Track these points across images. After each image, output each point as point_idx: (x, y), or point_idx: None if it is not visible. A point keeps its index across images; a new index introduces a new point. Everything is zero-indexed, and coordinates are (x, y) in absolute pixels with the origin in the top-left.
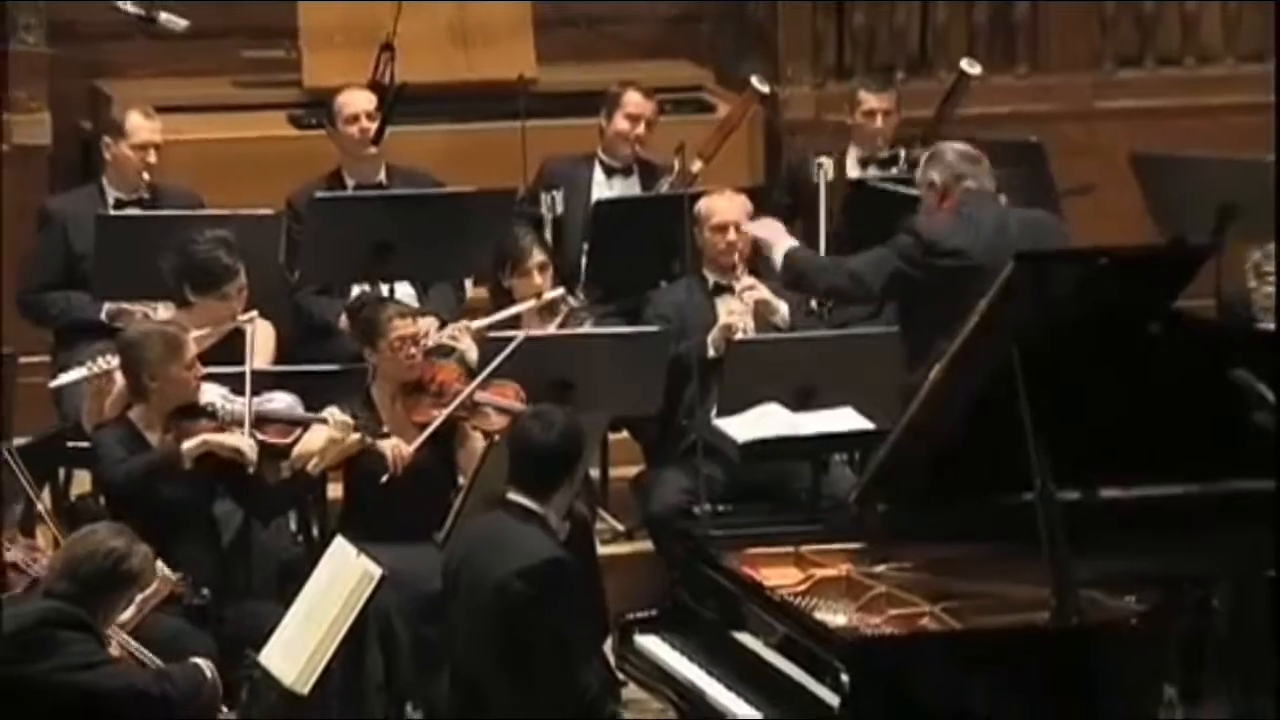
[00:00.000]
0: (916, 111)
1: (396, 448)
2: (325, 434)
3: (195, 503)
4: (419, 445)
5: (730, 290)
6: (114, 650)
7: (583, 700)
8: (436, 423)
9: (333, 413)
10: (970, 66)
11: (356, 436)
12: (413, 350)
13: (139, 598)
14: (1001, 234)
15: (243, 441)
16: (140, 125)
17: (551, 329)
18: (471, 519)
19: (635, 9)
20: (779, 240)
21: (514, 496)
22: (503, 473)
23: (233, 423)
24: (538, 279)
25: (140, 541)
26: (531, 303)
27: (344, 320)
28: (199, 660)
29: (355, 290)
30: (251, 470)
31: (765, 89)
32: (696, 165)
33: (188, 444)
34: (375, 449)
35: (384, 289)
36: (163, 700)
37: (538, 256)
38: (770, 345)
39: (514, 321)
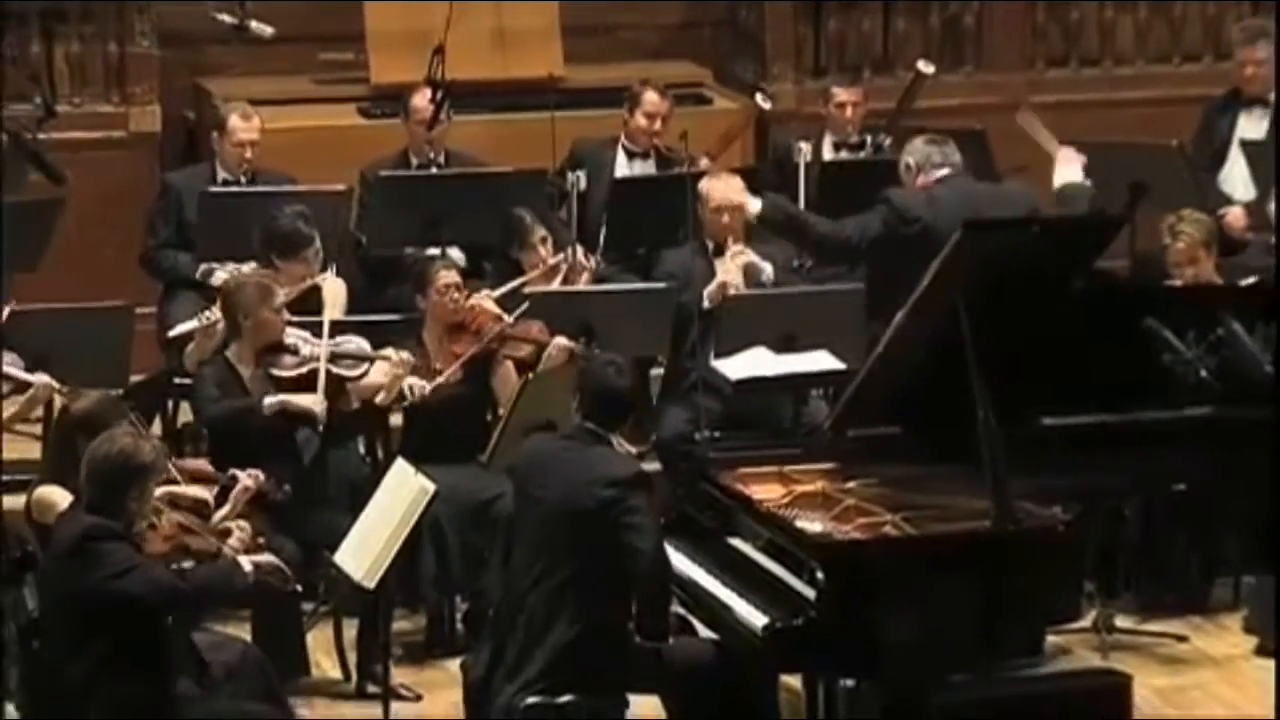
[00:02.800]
0: (880, 104)
1: (418, 384)
2: (387, 370)
3: (280, 429)
4: (453, 370)
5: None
6: (165, 526)
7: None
8: (470, 351)
9: (392, 351)
10: (925, 67)
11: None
12: (455, 295)
13: (231, 495)
14: (964, 208)
15: (316, 405)
16: (238, 126)
17: (581, 282)
18: (541, 442)
19: (646, 17)
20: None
21: (588, 425)
22: (539, 404)
23: (311, 358)
24: (541, 250)
25: (148, 438)
26: (537, 271)
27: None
28: (242, 558)
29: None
30: (321, 417)
31: (768, 105)
32: (704, 162)
33: (268, 400)
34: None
35: (436, 253)
36: (176, 596)
37: (539, 232)
38: (758, 299)
39: (524, 288)
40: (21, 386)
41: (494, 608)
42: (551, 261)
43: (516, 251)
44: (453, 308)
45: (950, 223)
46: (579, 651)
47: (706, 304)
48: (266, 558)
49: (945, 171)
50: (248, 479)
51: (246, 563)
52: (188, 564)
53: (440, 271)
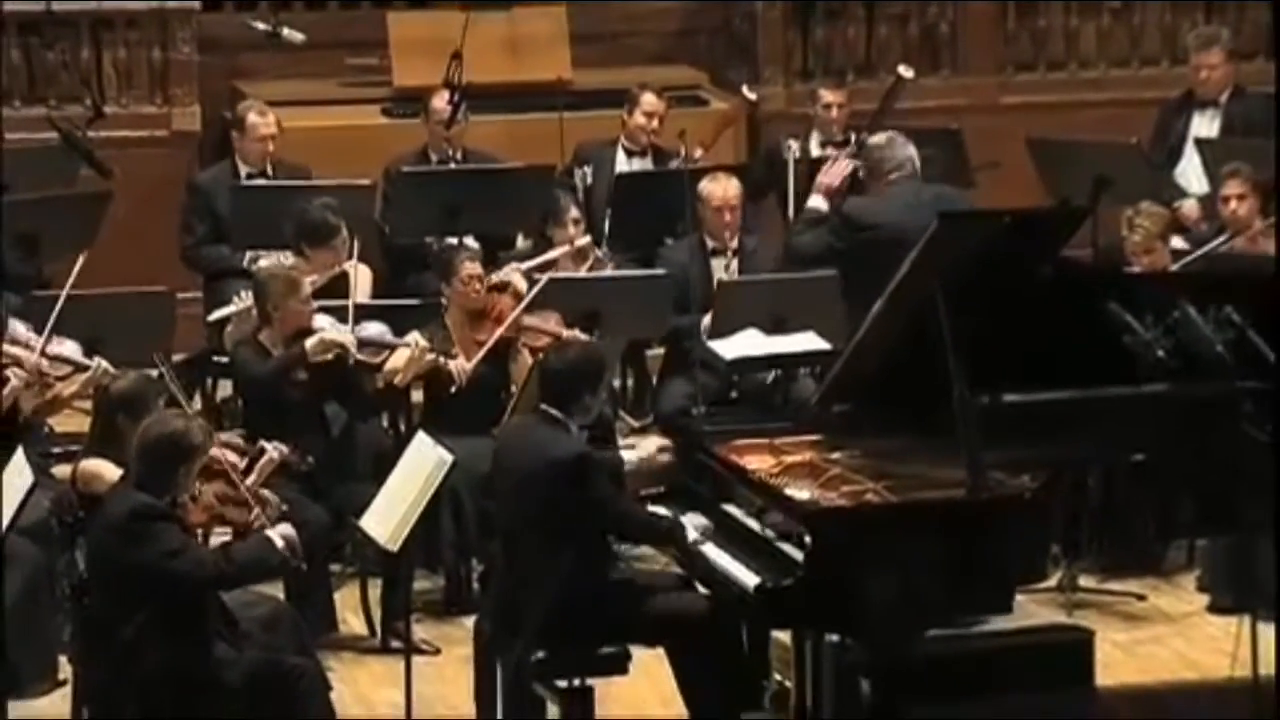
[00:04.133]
0: (864, 105)
1: (460, 365)
2: (407, 355)
3: (310, 404)
4: (479, 359)
5: (723, 253)
6: (204, 498)
7: (604, 557)
8: (492, 339)
9: (415, 338)
10: (905, 71)
11: (431, 356)
12: (477, 286)
13: (258, 465)
14: (913, 208)
15: (347, 338)
16: (257, 123)
17: (583, 270)
18: (513, 423)
19: (647, 25)
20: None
21: (543, 407)
22: None
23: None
24: (572, 230)
25: (197, 419)
26: (566, 248)
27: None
28: (272, 532)
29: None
30: (353, 366)
31: (754, 96)
32: (699, 152)
33: (309, 341)
34: (446, 366)
35: (455, 242)
36: (220, 576)
37: (574, 213)
38: (750, 285)
39: (553, 263)
40: (80, 368)
41: (489, 571)
42: (580, 243)
43: (551, 228)
44: (474, 296)
45: (901, 222)
46: (566, 607)
47: None
48: (287, 530)
49: (898, 174)
50: (274, 451)
51: (278, 537)
52: (224, 534)
53: (464, 262)
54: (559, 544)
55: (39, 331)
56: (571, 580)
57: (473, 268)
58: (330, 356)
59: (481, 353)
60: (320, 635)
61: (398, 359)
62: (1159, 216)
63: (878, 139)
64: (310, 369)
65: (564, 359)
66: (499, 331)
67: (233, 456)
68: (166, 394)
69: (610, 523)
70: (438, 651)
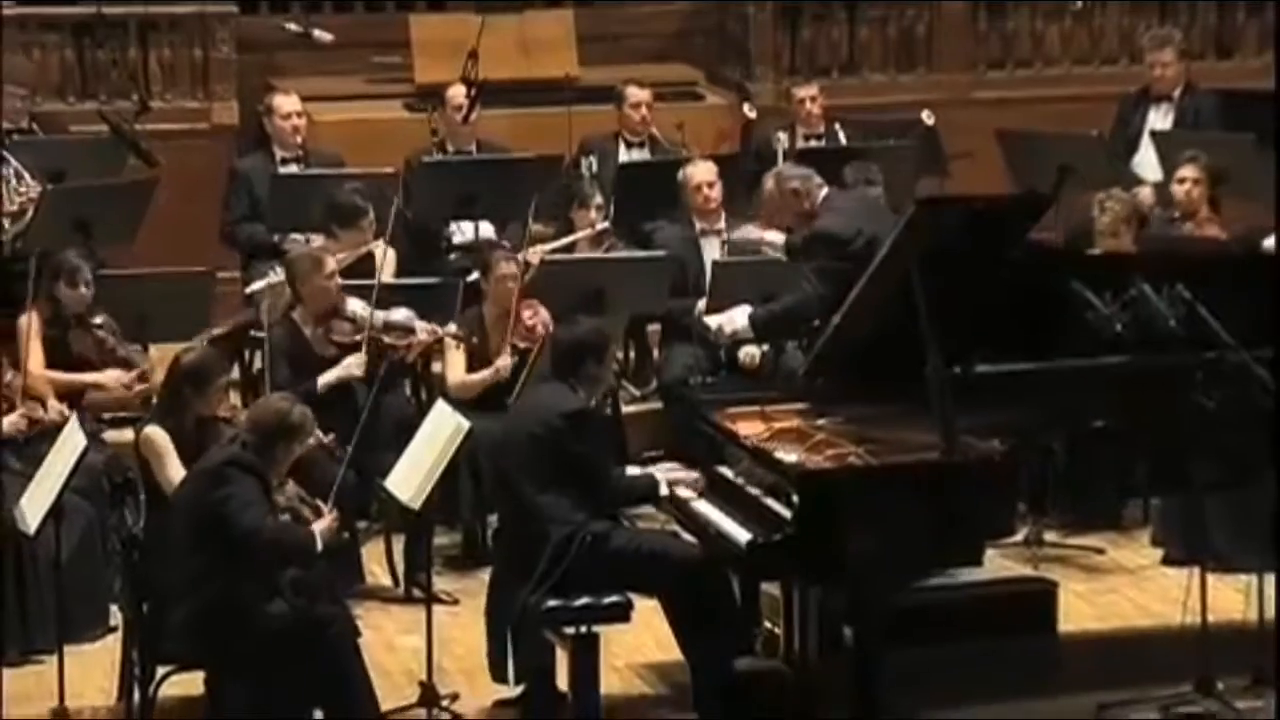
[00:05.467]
0: (847, 100)
1: (504, 364)
2: (424, 339)
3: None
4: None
5: (710, 234)
6: (289, 490)
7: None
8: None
9: (451, 328)
10: (928, 118)
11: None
12: (510, 284)
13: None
14: (867, 210)
15: (357, 369)
16: (282, 102)
17: (599, 252)
18: (525, 390)
19: (648, 27)
20: (739, 316)
21: (551, 373)
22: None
23: (365, 327)
24: (593, 214)
25: (301, 404)
26: (587, 231)
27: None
28: (317, 529)
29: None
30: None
31: (753, 115)
32: (696, 151)
33: (320, 381)
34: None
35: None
36: (270, 544)
37: (597, 199)
38: (743, 266)
39: (571, 245)
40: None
41: (503, 527)
42: (599, 226)
43: (574, 211)
44: (508, 295)
45: (870, 225)
46: (566, 556)
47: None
48: (325, 526)
49: (826, 191)
50: (321, 438)
51: (319, 539)
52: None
53: (500, 263)
54: (560, 495)
55: None
56: (572, 529)
57: (509, 267)
58: (359, 338)
59: (506, 356)
60: (349, 587)
61: (423, 334)
62: (1126, 204)
63: (796, 172)
64: (342, 348)
65: (573, 333)
66: (523, 347)
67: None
68: (230, 370)
69: (592, 476)
70: (456, 601)
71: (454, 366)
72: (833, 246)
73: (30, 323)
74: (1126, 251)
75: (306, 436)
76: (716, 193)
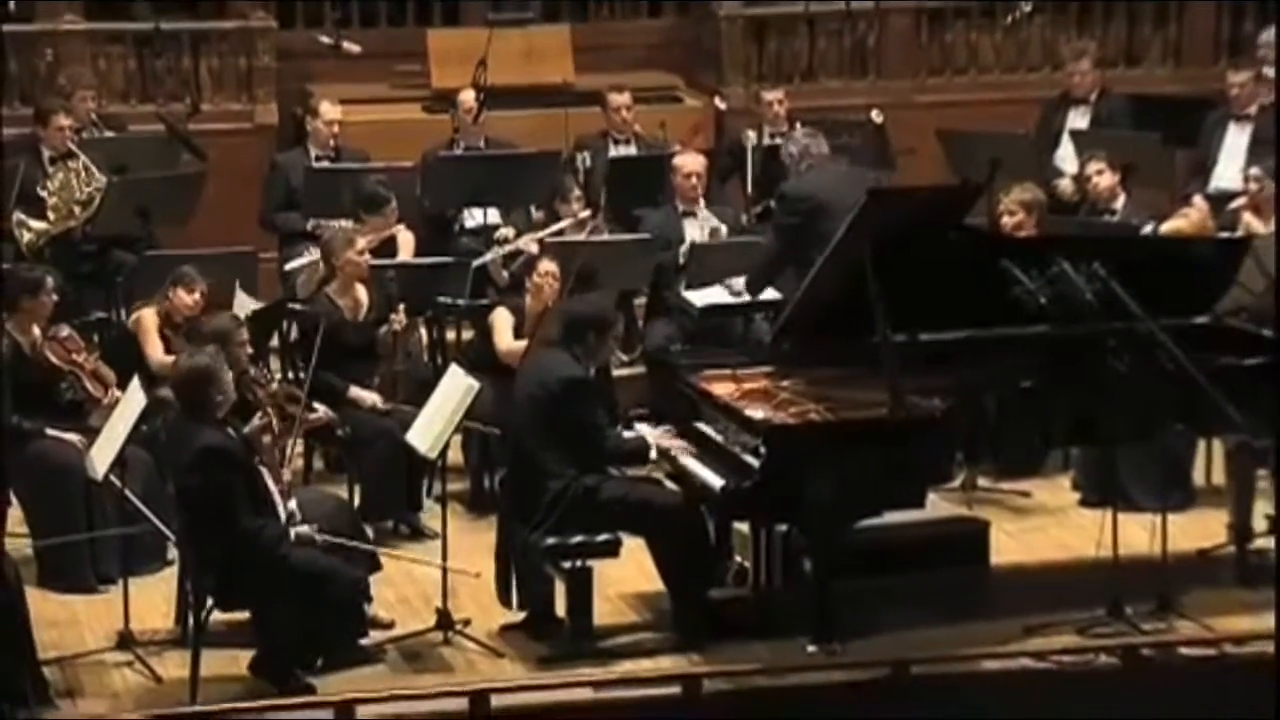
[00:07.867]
0: (808, 103)
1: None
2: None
3: (366, 343)
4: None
5: (693, 216)
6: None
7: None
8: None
9: (499, 312)
10: (877, 117)
11: None
12: (551, 281)
13: (310, 418)
14: (840, 182)
15: (372, 399)
16: (328, 109)
17: (582, 236)
18: (531, 354)
19: (634, 39)
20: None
21: (557, 340)
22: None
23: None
24: (575, 205)
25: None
26: (571, 220)
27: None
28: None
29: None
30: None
31: (724, 106)
32: (677, 148)
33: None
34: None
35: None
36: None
37: (576, 192)
38: (718, 247)
39: (561, 231)
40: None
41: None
42: (582, 215)
43: (559, 204)
44: (548, 291)
45: (831, 194)
46: (562, 503)
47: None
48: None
49: (820, 160)
50: (323, 413)
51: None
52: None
53: (541, 262)
54: (557, 450)
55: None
56: (568, 479)
57: (550, 265)
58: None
59: (529, 331)
60: (397, 516)
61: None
62: (1027, 192)
63: (803, 132)
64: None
65: (579, 306)
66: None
67: (291, 407)
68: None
69: (585, 436)
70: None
71: (503, 334)
72: (786, 205)
73: (149, 319)
74: (1051, 234)
75: (237, 364)
76: (700, 182)
